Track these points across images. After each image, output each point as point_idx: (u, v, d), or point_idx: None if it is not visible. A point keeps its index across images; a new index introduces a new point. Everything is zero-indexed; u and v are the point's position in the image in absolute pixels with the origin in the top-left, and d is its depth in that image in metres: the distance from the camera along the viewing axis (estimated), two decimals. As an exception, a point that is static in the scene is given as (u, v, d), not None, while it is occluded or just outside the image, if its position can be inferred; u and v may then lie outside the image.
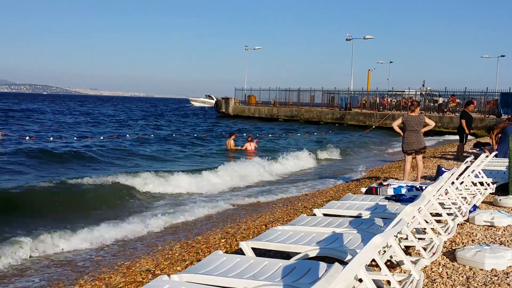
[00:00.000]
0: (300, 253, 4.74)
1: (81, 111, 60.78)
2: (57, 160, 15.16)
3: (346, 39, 53.73)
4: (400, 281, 4.08)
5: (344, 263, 3.74)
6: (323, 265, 4.06)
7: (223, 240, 6.95)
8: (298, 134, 30.40)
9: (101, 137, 23.87)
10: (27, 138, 21.91)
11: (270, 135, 28.78)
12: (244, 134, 27.02)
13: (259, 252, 5.17)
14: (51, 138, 22.89)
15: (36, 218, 8.48)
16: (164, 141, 23.31)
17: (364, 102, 43.61)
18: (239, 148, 19.20)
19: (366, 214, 6.44)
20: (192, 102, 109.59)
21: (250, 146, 19.12)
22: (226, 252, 6.10)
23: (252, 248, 5.12)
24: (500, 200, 7.95)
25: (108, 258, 6.58)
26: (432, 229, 5.59)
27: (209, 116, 55.75)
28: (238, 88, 52.77)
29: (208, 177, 12.75)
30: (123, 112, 62.71)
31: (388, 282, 3.84)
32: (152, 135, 26.73)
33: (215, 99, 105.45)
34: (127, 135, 26.15)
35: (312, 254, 4.65)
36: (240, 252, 5.19)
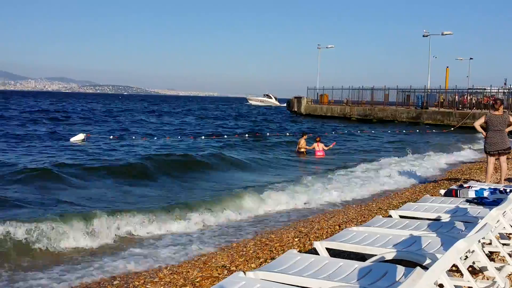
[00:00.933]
0: (376, 255, 4.65)
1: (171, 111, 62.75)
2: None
3: (423, 35, 51.95)
4: (483, 288, 3.91)
5: (422, 267, 3.63)
6: (400, 269, 3.96)
7: (296, 239, 6.96)
8: (373, 131, 29.80)
9: (203, 137, 24.49)
10: (111, 137, 23.03)
11: (340, 133, 28.46)
12: (327, 133, 26.86)
13: (332, 253, 5.13)
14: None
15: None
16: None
17: (442, 100, 41.94)
18: (308, 147, 19.04)
19: (445, 217, 6.19)
20: (250, 101, 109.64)
21: (318, 147, 18.85)
22: (300, 251, 6.10)
23: (326, 248, 5.09)
24: None
25: (184, 252, 6.77)
26: (519, 234, 5.30)
27: (283, 115, 55.84)
28: (310, 87, 52.58)
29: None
30: (221, 112, 64.57)
31: (471, 289, 3.69)
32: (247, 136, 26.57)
33: (273, 98, 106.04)
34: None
35: (389, 256, 4.54)
36: (313, 251, 5.18)
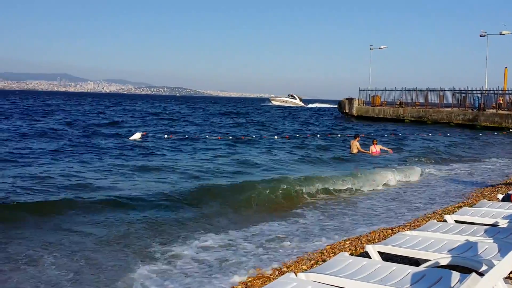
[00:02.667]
0: (430, 260, 4.59)
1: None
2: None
3: (480, 35, 50.09)
4: (543, 298, 3.78)
5: (478, 273, 3.56)
6: (455, 275, 3.89)
7: (347, 242, 6.93)
8: (430, 134, 29.05)
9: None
10: (165, 136, 23.64)
11: (394, 135, 27.89)
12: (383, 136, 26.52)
13: (384, 257, 5.08)
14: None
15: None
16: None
17: (500, 102, 40.30)
18: (364, 151, 18.83)
19: (503, 223, 6.01)
20: (272, 101, 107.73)
21: (375, 148, 18.77)
22: (351, 254, 6.08)
23: (378, 251, 5.06)
24: None
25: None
26: None
27: (333, 117, 55.31)
28: (362, 89, 51.81)
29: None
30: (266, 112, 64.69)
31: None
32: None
33: (298, 98, 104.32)
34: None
35: (444, 262, 4.47)
36: (365, 255, 5.16)
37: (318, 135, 27.57)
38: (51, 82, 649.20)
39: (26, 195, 9.14)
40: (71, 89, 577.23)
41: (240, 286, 5.36)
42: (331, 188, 11.27)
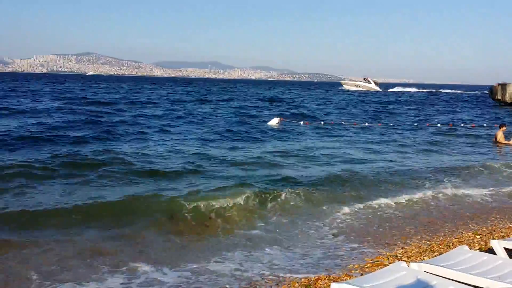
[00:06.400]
0: None
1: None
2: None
3: None
4: None
5: None
6: None
7: (478, 237, 6.60)
8: None
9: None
10: (301, 123, 24.04)
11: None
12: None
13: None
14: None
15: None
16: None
17: None
18: (508, 142, 17.18)
19: None
20: (344, 86, 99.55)
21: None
22: (480, 249, 5.82)
23: (504, 248, 4.81)
24: None
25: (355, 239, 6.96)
26: None
27: (484, 104, 51.05)
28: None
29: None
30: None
31: None
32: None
33: (373, 83, 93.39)
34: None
35: None
36: (491, 251, 4.93)
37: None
38: (203, 69, 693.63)
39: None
40: (220, 76, 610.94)
41: (357, 271, 5.47)
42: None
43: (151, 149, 13.50)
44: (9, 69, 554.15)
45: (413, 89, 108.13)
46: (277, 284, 5.13)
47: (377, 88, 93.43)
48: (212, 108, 32.57)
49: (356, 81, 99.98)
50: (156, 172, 10.20)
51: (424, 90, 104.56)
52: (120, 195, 8.32)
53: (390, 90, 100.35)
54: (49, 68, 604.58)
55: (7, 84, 65.02)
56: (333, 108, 37.28)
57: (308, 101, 47.32)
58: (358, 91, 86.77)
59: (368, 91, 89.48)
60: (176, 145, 14.64)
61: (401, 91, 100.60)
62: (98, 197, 8.12)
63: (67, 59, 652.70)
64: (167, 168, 10.72)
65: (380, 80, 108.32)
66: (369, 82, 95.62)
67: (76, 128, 17.98)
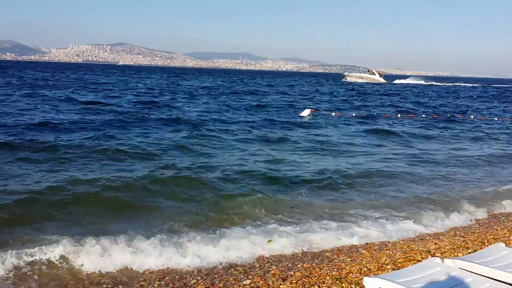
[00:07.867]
0: None
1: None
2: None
3: None
4: None
5: None
6: None
7: (514, 234, 6.46)
8: None
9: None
10: (333, 114, 23.94)
11: None
12: None
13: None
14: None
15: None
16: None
17: None
18: None
19: None
20: (347, 78, 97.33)
21: None
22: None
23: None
24: None
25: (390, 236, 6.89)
26: None
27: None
28: None
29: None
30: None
31: None
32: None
33: (378, 74, 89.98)
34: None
35: None
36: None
37: None
38: (234, 60, 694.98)
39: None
40: (251, 67, 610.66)
41: (389, 266, 5.43)
42: None
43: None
44: (46, 58, 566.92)
45: (421, 81, 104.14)
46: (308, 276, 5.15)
47: (382, 80, 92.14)
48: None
49: (360, 72, 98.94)
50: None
51: (440, 84, 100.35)
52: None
53: (396, 81, 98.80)
54: (84, 58, 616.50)
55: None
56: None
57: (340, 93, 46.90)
58: (361, 83, 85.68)
59: (372, 82, 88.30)
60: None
61: (407, 83, 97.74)
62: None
63: (102, 49, 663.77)
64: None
65: (409, 73, 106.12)
66: (373, 73, 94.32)
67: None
